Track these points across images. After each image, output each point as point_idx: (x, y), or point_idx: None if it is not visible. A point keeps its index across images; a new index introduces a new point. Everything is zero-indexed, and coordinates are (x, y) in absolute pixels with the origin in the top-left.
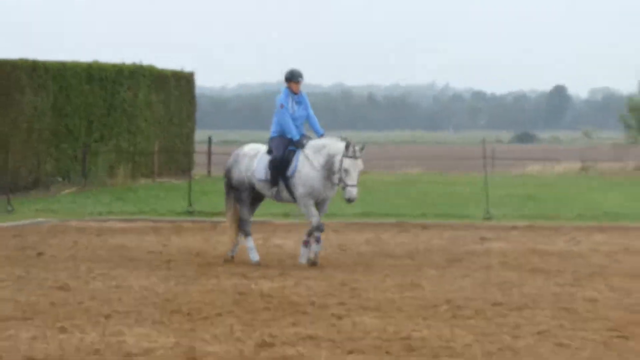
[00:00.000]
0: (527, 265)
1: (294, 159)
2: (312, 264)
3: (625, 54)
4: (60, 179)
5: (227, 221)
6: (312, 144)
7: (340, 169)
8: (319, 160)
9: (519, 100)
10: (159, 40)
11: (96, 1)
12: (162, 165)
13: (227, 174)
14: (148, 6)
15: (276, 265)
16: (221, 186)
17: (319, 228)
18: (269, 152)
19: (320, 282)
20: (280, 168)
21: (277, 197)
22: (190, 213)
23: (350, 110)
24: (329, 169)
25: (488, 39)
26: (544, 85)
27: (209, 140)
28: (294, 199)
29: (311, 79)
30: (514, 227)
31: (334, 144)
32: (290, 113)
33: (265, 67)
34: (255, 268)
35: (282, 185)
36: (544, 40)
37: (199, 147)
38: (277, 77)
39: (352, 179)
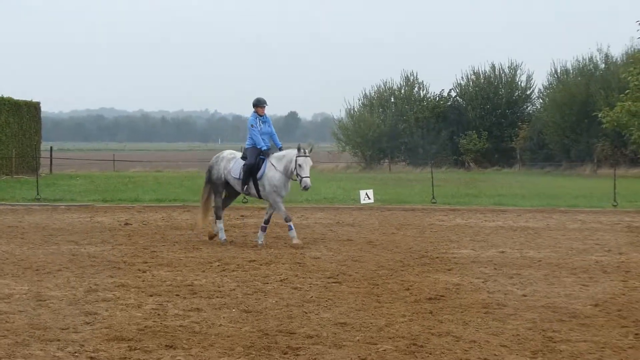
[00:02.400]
0: (271, 233)
1: (263, 165)
2: (296, 244)
3: (337, 90)
4: None
5: (200, 206)
6: (275, 155)
7: (296, 166)
8: (280, 167)
9: None
10: (17, 82)
11: None
12: (17, 166)
13: (210, 170)
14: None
15: (98, 235)
16: (61, 180)
17: (287, 219)
18: (243, 157)
19: (130, 247)
20: (252, 171)
21: (246, 192)
22: (38, 199)
23: (148, 128)
24: (286, 172)
25: (250, 78)
26: (282, 111)
27: (51, 149)
28: (258, 195)
29: (115, 105)
30: (262, 208)
31: (290, 152)
32: (258, 130)
33: (88, 97)
34: (84, 237)
35: (251, 184)
36: (282, 79)
37: (44, 154)
38: (98, 104)
39: (305, 171)
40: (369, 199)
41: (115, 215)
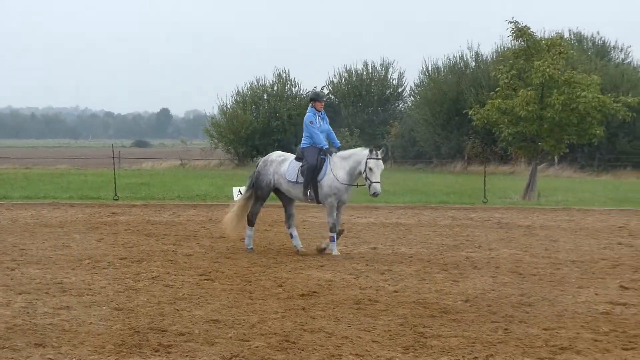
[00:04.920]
0: (143, 231)
1: (324, 166)
2: (321, 250)
3: (208, 81)
4: None
5: (233, 213)
6: (340, 154)
7: (365, 169)
8: (344, 167)
9: (137, 118)
10: None
11: None
12: None
13: (257, 176)
14: None
15: None
16: None
17: (333, 229)
18: (298, 159)
19: None
20: (313, 173)
21: (309, 197)
22: None
23: (17, 125)
24: (352, 174)
25: (121, 74)
26: (154, 107)
27: None
28: (317, 200)
29: None
30: (134, 205)
31: (359, 152)
32: (318, 126)
33: None
34: None
35: (311, 187)
36: (154, 75)
37: None
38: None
39: (376, 176)
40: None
41: None
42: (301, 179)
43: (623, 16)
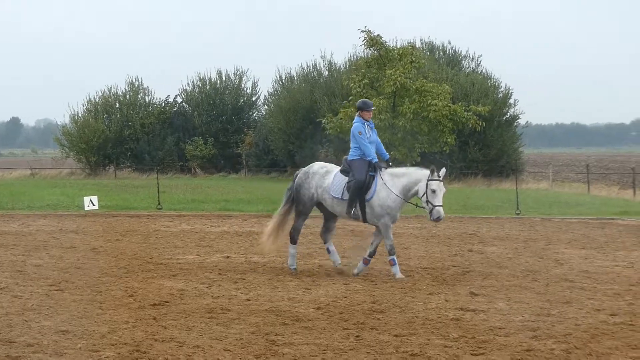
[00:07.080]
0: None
1: (373, 183)
2: (401, 279)
3: (59, 89)
4: None
5: (271, 229)
6: (391, 171)
7: (427, 191)
8: (397, 186)
9: None
10: None
11: None
12: None
13: (297, 190)
14: None
15: None
16: None
17: (392, 252)
18: (344, 172)
19: None
20: (361, 190)
21: (354, 216)
22: None
23: None
24: (405, 193)
25: None
26: (4, 116)
27: None
28: (364, 218)
29: None
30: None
31: (415, 172)
32: (367, 138)
33: None
34: None
35: (357, 205)
36: (3, 82)
37: None
38: None
39: (439, 199)
40: (93, 205)
41: None
42: (347, 196)
43: (474, 26)
